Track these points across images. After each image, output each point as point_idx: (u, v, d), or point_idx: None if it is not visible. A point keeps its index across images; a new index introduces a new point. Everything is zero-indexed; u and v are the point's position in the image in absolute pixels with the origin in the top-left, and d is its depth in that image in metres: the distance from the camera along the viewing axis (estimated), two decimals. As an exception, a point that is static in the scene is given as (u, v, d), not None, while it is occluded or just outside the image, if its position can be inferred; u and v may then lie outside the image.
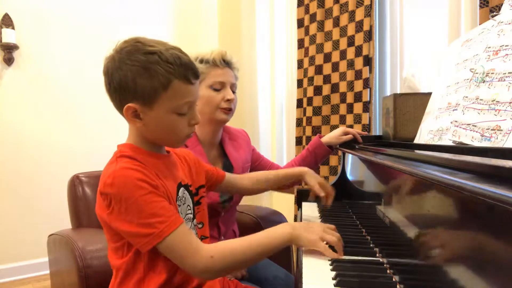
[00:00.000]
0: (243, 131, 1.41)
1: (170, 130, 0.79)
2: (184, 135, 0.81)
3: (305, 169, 1.16)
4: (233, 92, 1.24)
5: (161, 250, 0.74)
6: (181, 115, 0.77)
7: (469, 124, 0.75)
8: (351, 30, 1.99)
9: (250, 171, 1.38)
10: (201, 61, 1.19)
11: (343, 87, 2.06)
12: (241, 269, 1.16)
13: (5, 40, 2.44)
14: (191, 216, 0.88)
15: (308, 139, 2.25)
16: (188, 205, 0.87)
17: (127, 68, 0.73)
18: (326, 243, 0.80)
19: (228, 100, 1.20)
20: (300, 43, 2.36)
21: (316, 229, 0.81)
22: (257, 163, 1.41)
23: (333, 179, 1.64)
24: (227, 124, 1.31)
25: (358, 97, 1.96)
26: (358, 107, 1.96)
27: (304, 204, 1.43)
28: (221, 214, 1.25)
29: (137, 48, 0.74)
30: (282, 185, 1.20)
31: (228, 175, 1.05)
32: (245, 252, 0.76)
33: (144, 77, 0.73)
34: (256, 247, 0.77)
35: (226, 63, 1.22)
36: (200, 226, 0.90)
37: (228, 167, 1.29)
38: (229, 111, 1.22)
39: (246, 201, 1.50)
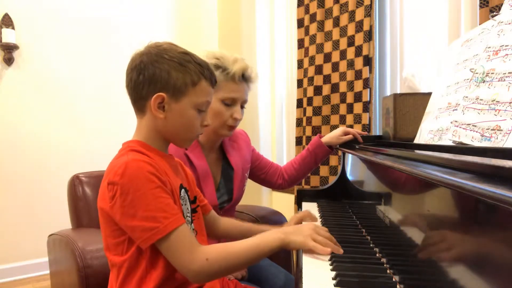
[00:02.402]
0: (243, 132, 1.41)
1: (188, 125, 0.84)
2: (195, 134, 0.87)
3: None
4: (243, 107, 1.22)
5: (159, 247, 0.75)
6: (199, 113, 0.84)
7: (469, 124, 0.75)
8: (351, 30, 1.99)
9: (250, 172, 1.39)
10: (222, 69, 1.15)
11: (343, 87, 2.06)
12: (233, 273, 1.15)
13: (5, 40, 2.44)
14: (190, 219, 0.88)
15: (308, 139, 2.25)
16: (188, 208, 0.88)
17: (164, 61, 0.80)
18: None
19: (235, 118, 1.19)
20: (300, 43, 2.36)
21: (305, 231, 0.84)
22: (257, 163, 1.41)
23: (333, 179, 1.64)
24: None
25: (358, 97, 1.96)
26: (358, 107, 1.96)
27: (304, 204, 1.44)
28: (220, 215, 1.24)
29: (172, 48, 0.83)
30: None
31: (213, 211, 1.04)
32: (239, 257, 0.79)
33: (178, 71, 0.80)
34: (249, 252, 0.80)
35: (244, 79, 1.18)
36: (195, 233, 0.91)
37: (227, 170, 1.29)
38: (233, 127, 1.21)
39: (246, 201, 1.50)
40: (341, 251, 0.82)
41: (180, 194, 0.85)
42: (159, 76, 0.79)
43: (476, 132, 0.72)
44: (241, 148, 1.34)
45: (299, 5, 2.36)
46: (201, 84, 0.82)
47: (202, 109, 0.84)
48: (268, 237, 0.82)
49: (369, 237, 0.98)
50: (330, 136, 1.43)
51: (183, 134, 0.85)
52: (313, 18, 2.23)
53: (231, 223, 1.08)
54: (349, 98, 2.02)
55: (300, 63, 2.37)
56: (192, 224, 0.89)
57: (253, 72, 1.20)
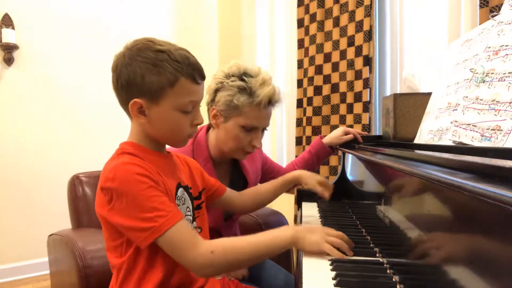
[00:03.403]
0: None
1: (173, 127, 0.80)
2: (186, 134, 0.82)
3: (299, 172, 1.15)
4: (264, 130, 1.16)
5: (160, 245, 0.75)
6: (185, 114, 0.79)
7: (469, 124, 0.75)
8: (351, 30, 1.99)
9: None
10: (248, 94, 1.07)
11: (343, 87, 2.06)
12: (240, 268, 1.14)
13: (5, 40, 2.44)
14: (191, 218, 0.88)
15: (308, 139, 2.25)
16: (188, 206, 0.87)
17: (136, 64, 0.75)
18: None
19: (254, 146, 1.13)
20: (300, 43, 2.36)
21: (319, 231, 0.81)
22: (266, 167, 1.39)
23: (333, 179, 1.64)
24: None
25: (358, 97, 1.96)
26: (358, 107, 1.96)
27: (304, 204, 1.43)
28: (223, 227, 1.24)
29: (147, 46, 0.77)
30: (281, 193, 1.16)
31: (229, 190, 1.04)
32: (246, 251, 0.77)
33: (152, 73, 0.75)
34: (258, 246, 0.77)
35: (271, 104, 1.11)
36: (199, 230, 0.90)
37: (236, 179, 1.26)
38: (249, 153, 1.17)
39: (246, 201, 1.50)
40: (351, 252, 0.80)
41: (177, 194, 0.84)
42: (133, 81, 0.75)
43: (476, 132, 0.72)
44: (255, 158, 1.31)
45: (299, 5, 2.36)
46: (180, 83, 0.76)
47: (187, 110, 0.78)
48: (279, 233, 0.79)
49: (369, 237, 0.98)
50: (331, 137, 1.43)
51: (171, 136, 0.82)
52: (313, 18, 2.23)
53: (247, 195, 1.09)
54: (349, 98, 2.02)
55: (300, 63, 2.37)
56: (195, 222, 0.89)
57: (280, 94, 1.12)
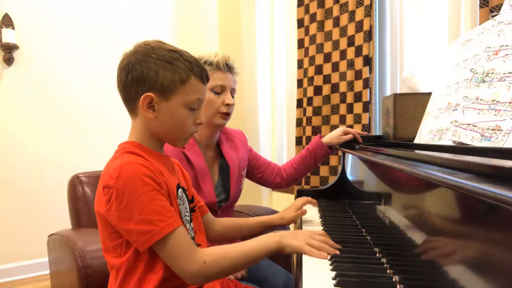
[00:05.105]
0: (240, 132, 1.42)
1: (179, 124, 0.82)
2: (189, 132, 0.85)
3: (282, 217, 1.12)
4: (232, 97, 1.25)
5: (157, 250, 0.75)
6: (191, 111, 0.82)
7: (469, 124, 0.75)
8: (351, 30, 1.99)
9: (247, 171, 1.39)
10: (204, 63, 1.18)
11: (343, 87, 2.06)
12: (230, 275, 1.14)
13: (5, 40, 2.44)
14: (189, 218, 0.88)
15: (308, 139, 2.25)
16: (186, 207, 0.88)
17: (151, 60, 0.79)
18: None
19: (227, 104, 1.21)
20: (300, 43, 2.36)
21: (302, 236, 0.84)
22: (253, 162, 1.42)
23: (333, 179, 1.64)
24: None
25: (358, 97, 1.96)
26: (358, 107, 1.96)
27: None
28: (218, 213, 1.24)
29: (160, 46, 0.81)
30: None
31: (209, 214, 1.03)
32: (236, 260, 0.79)
33: (166, 69, 0.79)
34: (246, 254, 0.80)
35: (229, 68, 1.23)
36: (194, 232, 0.91)
37: (225, 168, 1.29)
38: (227, 115, 1.23)
39: (246, 201, 1.50)
40: (337, 252, 0.82)
41: (178, 194, 0.85)
42: (147, 75, 0.78)
43: (476, 132, 0.72)
44: (237, 147, 1.35)
45: (299, 5, 2.36)
46: (191, 81, 0.80)
47: (193, 107, 0.82)
48: (265, 240, 0.82)
49: (369, 237, 0.98)
50: (330, 136, 1.43)
51: (176, 133, 0.84)
52: (313, 18, 2.23)
53: (225, 223, 1.07)
54: (349, 98, 2.02)
55: (300, 63, 2.37)
56: (191, 223, 0.89)
57: (235, 62, 1.25)
